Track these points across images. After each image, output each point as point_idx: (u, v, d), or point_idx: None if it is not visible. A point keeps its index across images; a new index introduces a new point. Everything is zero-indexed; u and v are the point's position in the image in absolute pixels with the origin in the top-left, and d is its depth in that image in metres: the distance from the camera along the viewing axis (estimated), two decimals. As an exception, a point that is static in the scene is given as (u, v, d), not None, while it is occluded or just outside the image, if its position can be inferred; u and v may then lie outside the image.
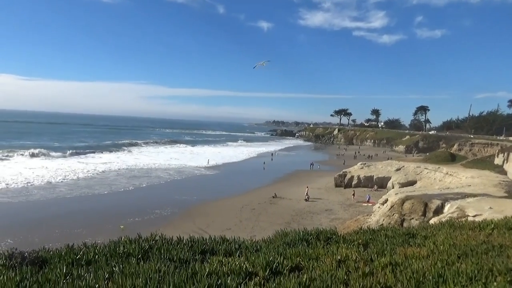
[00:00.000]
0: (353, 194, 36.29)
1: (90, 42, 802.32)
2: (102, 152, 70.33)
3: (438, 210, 20.85)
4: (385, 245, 5.60)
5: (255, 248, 5.48)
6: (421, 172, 41.59)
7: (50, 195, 32.05)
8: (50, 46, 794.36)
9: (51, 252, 4.86)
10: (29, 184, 35.77)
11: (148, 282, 3.76)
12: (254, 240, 6.05)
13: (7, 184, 34.92)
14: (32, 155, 57.80)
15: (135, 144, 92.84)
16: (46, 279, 3.86)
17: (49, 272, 4.07)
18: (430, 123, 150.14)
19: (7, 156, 55.31)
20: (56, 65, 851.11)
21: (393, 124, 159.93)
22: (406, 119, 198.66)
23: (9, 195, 30.91)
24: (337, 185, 42.76)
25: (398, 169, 44.00)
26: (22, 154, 57.57)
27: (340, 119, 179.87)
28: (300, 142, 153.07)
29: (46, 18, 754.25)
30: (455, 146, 74.85)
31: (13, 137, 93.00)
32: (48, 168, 45.52)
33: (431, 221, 16.62)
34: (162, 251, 4.87)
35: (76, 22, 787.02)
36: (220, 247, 5.28)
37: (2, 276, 3.84)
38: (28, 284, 3.71)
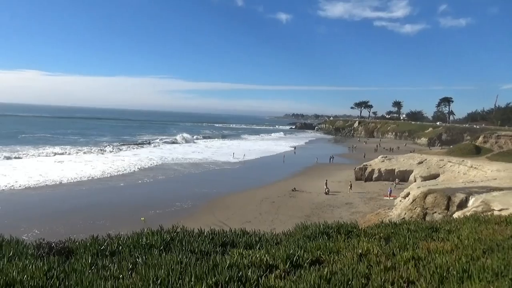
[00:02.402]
0: (350, 187, 36.09)
1: (111, 37, 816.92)
2: (143, 146, 73.89)
3: (462, 204, 20.38)
4: (407, 239, 5.51)
5: (275, 241, 5.50)
6: (444, 165, 40.65)
7: (159, 178, 38.64)
8: (73, 42, 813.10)
9: (77, 243, 5.00)
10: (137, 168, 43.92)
11: (171, 273, 3.83)
12: (274, 233, 6.07)
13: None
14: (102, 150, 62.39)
15: (165, 139, 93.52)
16: (72, 269, 3.98)
17: (75, 262, 4.20)
18: (454, 114, 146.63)
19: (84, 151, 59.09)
20: (78, 61, 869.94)
21: (415, 116, 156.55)
22: (429, 111, 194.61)
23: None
24: (357, 178, 42.32)
25: (420, 162, 43.16)
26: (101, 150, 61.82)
27: (361, 112, 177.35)
28: (319, 135, 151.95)
29: (68, 14, 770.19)
30: (480, 139, 72.57)
31: (69, 133, 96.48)
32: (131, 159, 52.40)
33: (455, 215, 16.26)
34: (184, 243, 4.94)
35: (98, 18, 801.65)
36: (241, 239, 5.32)
37: (30, 266, 3.98)
38: (55, 274, 3.83)
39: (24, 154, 52.73)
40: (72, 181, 35.65)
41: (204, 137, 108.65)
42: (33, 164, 43.83)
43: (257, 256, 4.35)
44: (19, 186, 31.96)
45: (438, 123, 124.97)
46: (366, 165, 44.32)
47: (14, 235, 5.15)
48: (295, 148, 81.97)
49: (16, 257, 4.33)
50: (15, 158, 49.38)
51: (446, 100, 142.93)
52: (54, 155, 53.58)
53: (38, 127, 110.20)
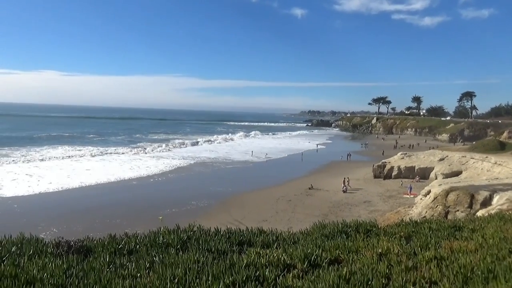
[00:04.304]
0: (348, 181, 35.56)
1: (126, 36, 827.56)
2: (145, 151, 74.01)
3: (486, 202, 19.96)
4: (429, 238, 5.44)
5: (292, 240, 5.49)
6: (467, 162, 39.86)
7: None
8: (90, 42, 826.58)
9: (95, 242, 5.09)
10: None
11: (188, 272, 3.86)
12: (291, 232, 6.06)
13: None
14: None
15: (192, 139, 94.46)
16: (91, 267, 4.06)
17: (94, 261, 4.28)
18: (477, 109, 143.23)
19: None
20: (95, 61, 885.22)
21: (436, 111, 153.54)
22: (450, 106, 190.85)
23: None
24: (376, 176, 41.92)
25: (441, 159, 42.45)
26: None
27: (379, 108, 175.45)
28: (336, 132, 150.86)
29: (84, 14, 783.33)
30: (505, 134, 70.83)
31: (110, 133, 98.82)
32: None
33: (478, 214, 15.96)
34: (200, 242, 4.98)
35: (113, 17, 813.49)
36: (258, 238, 5.33)
37: (50, 264, 4.08)
38: (74, 272, 3.91)
39: (80, 153, 55.41)
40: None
41: (219, 135, 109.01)
42: (86, 164, 46.07)
43: (275, 255, 4.35)
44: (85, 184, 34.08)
45: (465, 119, 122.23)
46: (385, 162, 43.84)
47: (34, 233, 5.28)
48: (317, 145, 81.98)
49: (36, 255, 4.44)
50: (78, 156, 52.26)
51: (468, 95, 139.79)
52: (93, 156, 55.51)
53: (69, 126, 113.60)
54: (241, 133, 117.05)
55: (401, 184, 37.31)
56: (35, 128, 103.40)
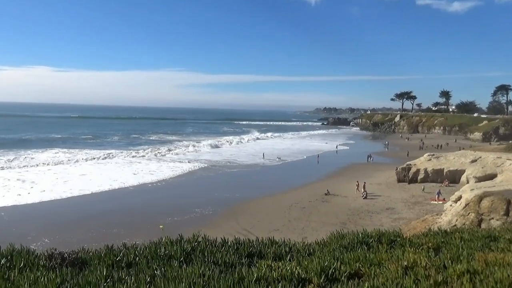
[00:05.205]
0: (363, 185, 35.50)
1: (122, 28, 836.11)
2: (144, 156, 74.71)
3: (525, 209, 19.69)
4: (460, 249, 5.40)
5: (307, 251, 5.48)
6: (503, 163, 39.38)
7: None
8: (83, 34, 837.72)
9: (91, 253, 5.14)
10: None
11: (192, 287, 3.88)
12: (306, 242, 6.05)
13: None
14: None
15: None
16: (86, 282, 4.09)
17: (89, 274, 4.31)
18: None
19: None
20: (88, 55, 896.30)
21: (467, 107, 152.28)
22: (483, 102, 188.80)
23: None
24: (399, 180, 41.73)
25: (473, 161, 42.06)
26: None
27: (403, 104, 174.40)
28: (355, 131, 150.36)
29: (76, 5, 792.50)
30: (546, 132, 69.87)
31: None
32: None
33: (516, 222, 15.76)
34: (206, 254, 4.99)
35: (107, 8, 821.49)
36: (269, 250, 5.33)
37: (43, 278, 4.12)
38: (68, 287, 3.95)
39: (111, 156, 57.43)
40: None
41: (225, 136, 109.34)
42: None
43: (288, 268, 4.34)
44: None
45: (500, 116, 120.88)
46: (410, 164, 43.60)
47: (24, 244, 5.35)
48: (337, 147, 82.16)
49: (28, 268, 4.50)
50: (72, 161, 53.48)
51: (504, 88, 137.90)
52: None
53: (62, 127, 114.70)
54: (250, 133, 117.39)
55: (423, 189, 36.97)
56: (25, 129, 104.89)
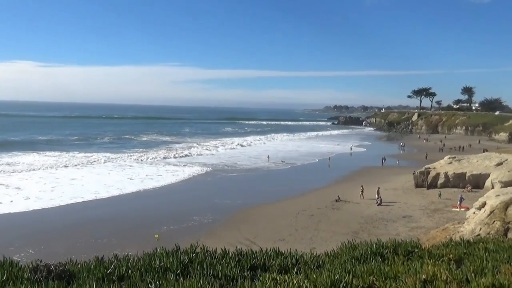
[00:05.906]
0: (362, 190, 36.01)
1: (113, 19, 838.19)
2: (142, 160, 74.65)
3: (556, 217, 19.62)
4: (485, 261, 5.39)
5: (316, 263, 5.48)
6: (531, 167, 39.30)
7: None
8: (70, 26, 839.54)
9: (79, 265, 5.15)
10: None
11: (190, 302, 3.88)
12: (314, 253, 6.05)
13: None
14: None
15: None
16: (74, 297, 4.11)
17: (78, 289, 4.33)
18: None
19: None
20: (76, 48, 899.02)
21: (492, 105, 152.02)
22: (510, 99, 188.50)
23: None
24: (417, 185, 41.66)
25: (499, 164, 41.97)
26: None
27: (421, 101, 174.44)
28: (369, 131, 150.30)
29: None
30: None
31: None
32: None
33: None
34: (205, 266, 4.99)
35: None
36: (274, 262, 5.33)
37: (27, 292, 4.14)
38: (55, 302, 3.97)
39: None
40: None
41: (226, 137, 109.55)
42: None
43: (295, 282, 4.35)
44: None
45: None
46: (429, 168, 43.54)
47: (6, 255, 5.37)
48: (351, 148, 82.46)
49: (11, 281, 4.51)
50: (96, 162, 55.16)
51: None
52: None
53: (48, 128, 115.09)
54: (253, 134, 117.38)
55: (439, 196, 36.77)
56: (7, 130, 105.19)
